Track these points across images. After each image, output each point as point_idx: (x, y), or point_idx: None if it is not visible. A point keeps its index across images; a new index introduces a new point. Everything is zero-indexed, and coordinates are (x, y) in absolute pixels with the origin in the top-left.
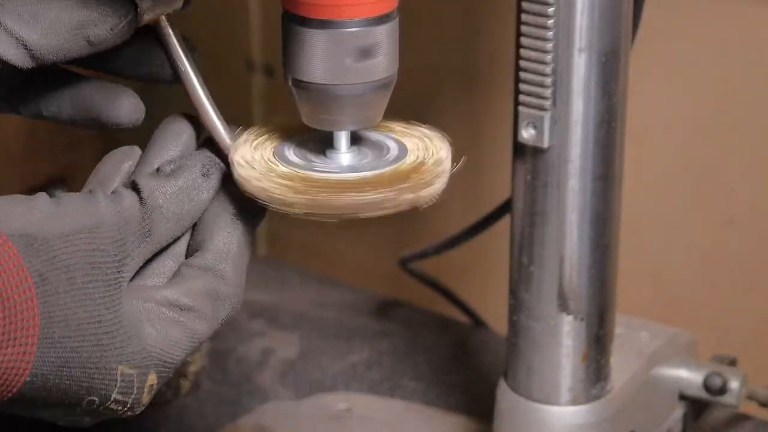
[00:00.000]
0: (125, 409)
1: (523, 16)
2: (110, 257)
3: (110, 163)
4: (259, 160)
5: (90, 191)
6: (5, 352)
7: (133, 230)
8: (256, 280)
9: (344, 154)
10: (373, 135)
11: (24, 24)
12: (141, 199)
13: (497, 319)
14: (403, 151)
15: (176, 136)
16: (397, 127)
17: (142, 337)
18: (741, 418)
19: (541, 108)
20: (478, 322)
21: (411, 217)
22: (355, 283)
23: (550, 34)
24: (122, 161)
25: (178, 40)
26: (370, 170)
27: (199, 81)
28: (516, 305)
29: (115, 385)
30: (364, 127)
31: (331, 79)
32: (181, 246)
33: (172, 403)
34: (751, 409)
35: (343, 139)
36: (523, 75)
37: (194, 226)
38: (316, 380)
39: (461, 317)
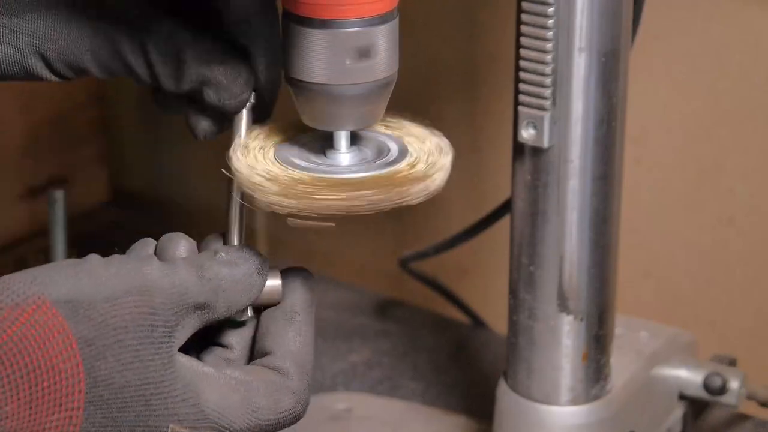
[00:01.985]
0: None
1: (523, 16)
2: (161, 320)
3: (169, 238)
4: (259, 160)
5: (146, 256)
6: (53, 418)
7: (186, 300)
8: None
9: (344, 153)
10: (374, 135)
11: (167, 67)
12: (200, 275)
13: (497, 319)
14: (403, 150)
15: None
16: (398, 126)
17: (198, 398)
18: (741, 418)
19: (541, 108)
20: (478, 322)
21: (411, 217)
22: (355, 283)
23: (550, 34)
24: (181, 238)
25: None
26: (370, 170)
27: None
28: (516, 305)
29: None
30: (364, 127)
31: (331, 79)
32: None
33: None
34: (751, 408)
35: (343, 139)
36: (523, 75)
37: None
38: (316, 380)
39: (461, 317)
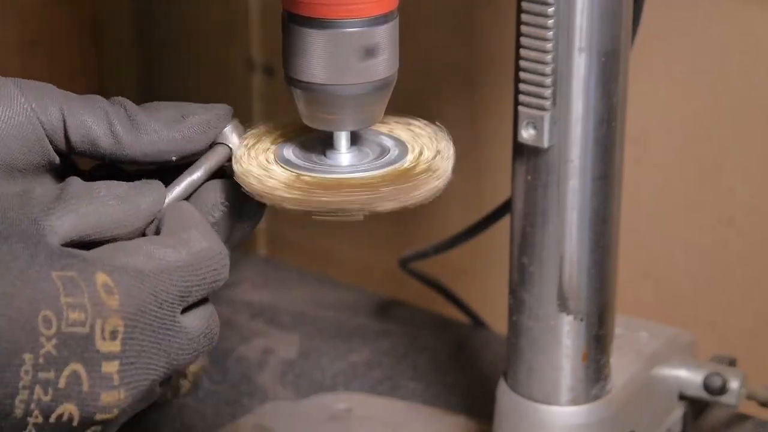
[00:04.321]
0: (88, 316)
1: (523, 16)
2: (20, 213)
3: None
4: (259, 160)
5: None
6: None
7: (51, 198)
8: (256, 280)
9: (344, 154)
10: (374, 135)
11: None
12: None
13: (497, 319)
14: (404, 150)
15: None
16: (399, 125)
17: (78, 254)
18: (741, 418)
19: (541, 108)
20: (478, 322)
21: (411, 217)
22: (355, 283)
23: (550, 34)
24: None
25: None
26: (371, 170)
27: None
28: (516, 305)
29: (59, 289)
30: (364, 127)
31: (331, 79)
32: None
33: (171, 403)
34: (751, 408)
35: (343, 139)
36: (523, 75)
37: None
38: (316, 380)
39: (461, 317)
